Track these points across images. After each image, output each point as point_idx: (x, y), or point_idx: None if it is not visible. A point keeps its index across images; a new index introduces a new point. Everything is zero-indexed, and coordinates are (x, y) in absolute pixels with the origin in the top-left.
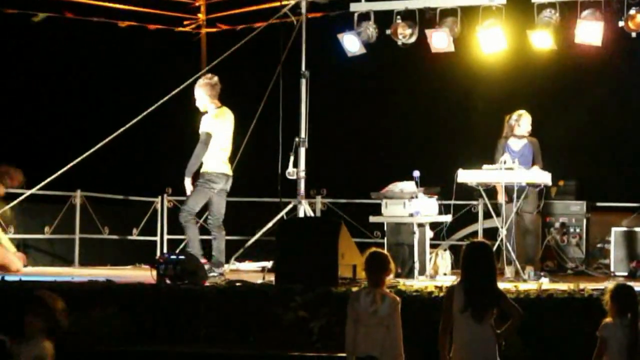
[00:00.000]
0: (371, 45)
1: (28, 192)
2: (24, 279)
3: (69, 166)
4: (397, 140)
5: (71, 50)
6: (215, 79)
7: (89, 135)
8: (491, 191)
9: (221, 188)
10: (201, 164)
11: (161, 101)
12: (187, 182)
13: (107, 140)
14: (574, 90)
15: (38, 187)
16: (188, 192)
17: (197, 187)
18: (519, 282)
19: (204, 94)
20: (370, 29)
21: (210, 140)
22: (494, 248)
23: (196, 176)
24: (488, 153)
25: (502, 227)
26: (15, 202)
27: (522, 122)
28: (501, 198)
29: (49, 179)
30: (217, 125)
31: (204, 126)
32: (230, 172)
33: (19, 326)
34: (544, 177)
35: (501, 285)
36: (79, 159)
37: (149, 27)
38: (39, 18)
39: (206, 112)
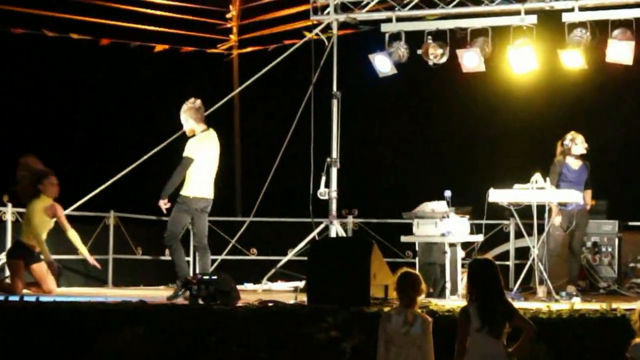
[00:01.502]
0: (402, 65)
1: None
2: (58, 299)
3: (103, 187)
4: (429, 160)
5: (106, 72)
6: (198, 102)
7: (122, 156)
8: (523, 210)
9: (200, 209)
10: (180, 186)
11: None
12: (161, 203)
13: (140, 161)
14: (605, 109)
15: (72, 207)
16: (164, 211)
17: (175, 210)
18: (551, 301)
19: (189, 118)
20: (401, 49)
21: (191, 164)
22: (526, 268)
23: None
24: (519, 172)
25: (533, 247)
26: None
27: (577, 141)
28: (556, 219)
29: (83, 200)
30: (200, 149)
31: (187, 150)
32: (210, 196)
33: None
34: (575, 197)
35: (533, 305)
36: (113, 179)
37: (182, 49)
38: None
39: (193, 136)
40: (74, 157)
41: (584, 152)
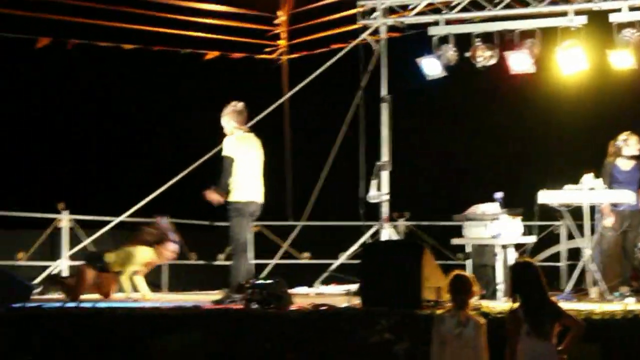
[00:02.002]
0: (451, 68)
1: (117, 220)
2: (113, 305)
3: (156, 193)
4: (479, 162)
5: (157, 80)
6: (240, 105)
7: (173, 162)
8: (574, 212)
9: (250, 214)
10: (230, 193)
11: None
12: (214, 196)
13: (193, 167)
14: None
15: (126, 214)
16: (213, 202)
17: (232, 219)
18: (604, 302)
19: (230, 120)
20: (449, 52)
21: (232, 163)
22: (578, 269)
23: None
24: (569, 173)
25: (585, 248)
26: (105, 228)
27: (630, 142)
28: (607, 220)
29: (137, 206)
30: (239, 149)
31: (225, 149)
32: (260, 200)
33: None
34: (626, 197)
35: (586, 306)
36: (166, 185)
37: (231, 56)
38: (129, 47)
39: None
40: (127, 162)
41: (637, 153)
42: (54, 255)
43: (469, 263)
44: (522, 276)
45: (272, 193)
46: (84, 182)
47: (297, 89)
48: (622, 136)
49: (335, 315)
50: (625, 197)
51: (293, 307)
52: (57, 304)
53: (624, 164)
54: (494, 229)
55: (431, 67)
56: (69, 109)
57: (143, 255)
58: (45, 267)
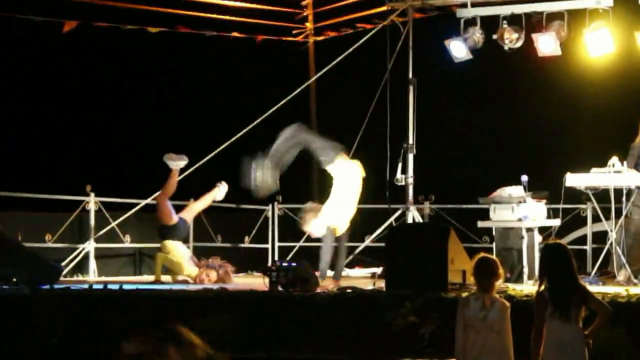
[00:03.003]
0: (478, 50)
1: (143, 202)
2: (140, 287)
3: (182, 176)
4: (505, 145)
5: (184, 62)
6: None
7: (199, 145)
8: (600, 194)
9: None
10: None
11: (272, 109)
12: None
13: (219, 150)
14: None
15: (153, 196)
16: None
17: None
18: (630, 286)
19: None
20: (476, 35)
21: None
22: (604, 252)
23: None
24: (596, 156)
25: (611, 231)
26: (132, 211)
27: None
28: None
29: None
30: None
31: None
32: None
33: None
34: None
35: (612, 289)
36: (192, 168)
37: (257, 37)
38: (154, 30)
39: None
40: (153, 144)
41: None
42: (82, 237)
43: (494, 246)
44: (553, 258)
45: (298, 176)
46: (110, 165)
47: (323, 71)
48: None
49: (361, 298)
50: None
51: (318, 290)
52: (85, 286)
53: None
54: (520, 211)
55: (458, 49)
56: (96, 92)
57: (184, 271)
58: (72, 249)
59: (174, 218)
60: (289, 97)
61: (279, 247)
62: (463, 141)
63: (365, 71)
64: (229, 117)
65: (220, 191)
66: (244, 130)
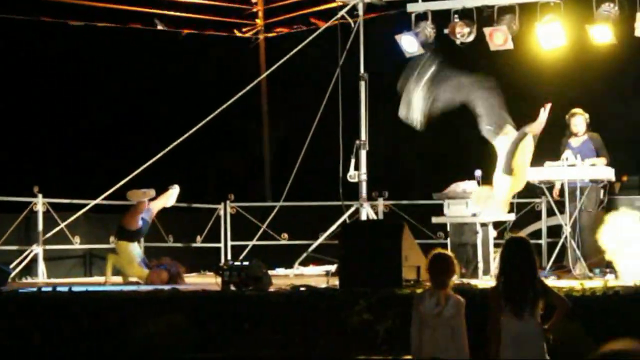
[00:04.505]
0: (429, 45)
1: (92, 203)
2: (90, 289)
3: (132, 175)
4: (458, 139)
5: (134, 59)
6: None
7: (148, 144)
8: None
9: None
10: None
11: (224, 106)
12: None
13: (168, 149)
14: (635, 84)
15: (102, 197)
16: None
17: None
18: (585, 279)
19: None
20: (428, 29)
21: None
22: (559, 246)
23: None
24: (549, 150)
25: (566, 225)
26: (80, 212)
27: (572, 121)
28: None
29: (113, 189)
30: None
31: None
32: None
33: None
34: (606, 173)
35: (567, 283)
36: (142, 167)
37: (206, 33)
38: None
39: None
40: (102, 144)
41: (579, 133)
42: (30, 239)
43: (449, 241)
44: (512, 252)
45: (250, 174)
46: (58, 165)
47: (273, 68)
48: (568, 114)
49: (315, 296)
50: (604, 172)
51: (272, 289)
52: (34, 289)
53: (574, 141)
54: (474, 207)
55: (410, 44)
56: (43, 90)
57: (135, 273)
58: (21, 252)
59: (139, 224)
60: (238, 95)
61: (232, 246)
62: (416, 136)
63: (317, 68)
64: (179, 117)
65: (172, 194)
66: (192, 130)
